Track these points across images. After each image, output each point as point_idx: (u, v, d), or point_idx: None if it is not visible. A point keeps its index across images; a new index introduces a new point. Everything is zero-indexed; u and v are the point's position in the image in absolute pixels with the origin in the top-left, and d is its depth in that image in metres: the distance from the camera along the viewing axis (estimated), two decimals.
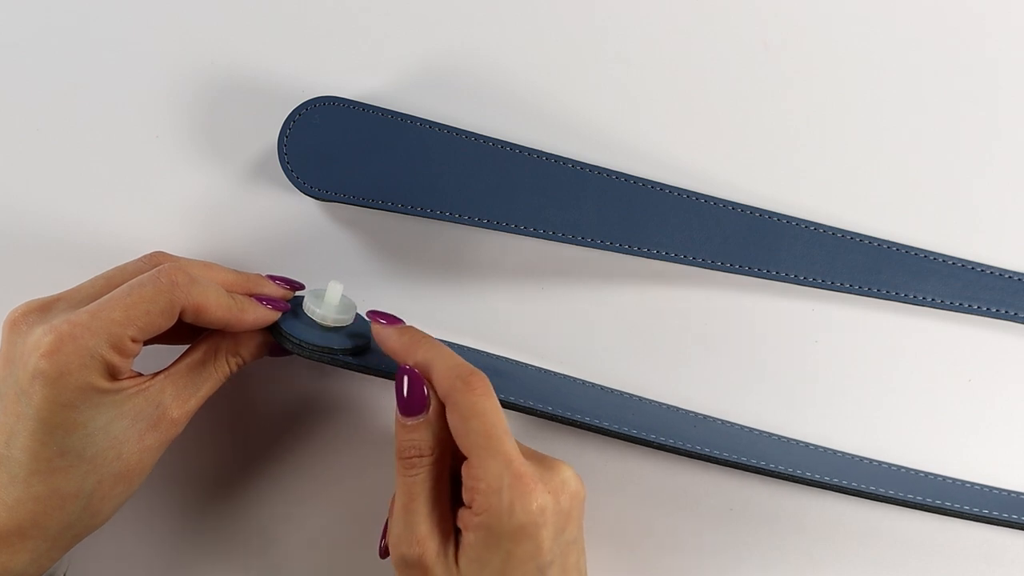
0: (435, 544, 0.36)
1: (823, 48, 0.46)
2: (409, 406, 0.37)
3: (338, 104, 0.45)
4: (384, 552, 0.40)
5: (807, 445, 0.45)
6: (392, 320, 0.40)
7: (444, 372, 0.37)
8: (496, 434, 0.35)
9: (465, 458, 0.36)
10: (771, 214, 0.45)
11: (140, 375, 0.38)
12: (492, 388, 0.36)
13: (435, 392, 0.37)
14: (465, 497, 0.36)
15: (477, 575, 0.35)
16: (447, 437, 0.37)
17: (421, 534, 0.36)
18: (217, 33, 0.47)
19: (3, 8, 0.48)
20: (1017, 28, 0.46)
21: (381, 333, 0.39)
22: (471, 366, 0.37)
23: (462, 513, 0.36)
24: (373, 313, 0.40)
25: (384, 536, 0.40)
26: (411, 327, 0.40)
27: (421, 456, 0.37)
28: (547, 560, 0.35)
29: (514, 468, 0.35)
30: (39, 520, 0.36)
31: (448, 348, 0.38)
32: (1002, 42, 0.46)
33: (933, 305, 0.45)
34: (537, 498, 0.35)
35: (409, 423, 0.37)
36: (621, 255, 0.45)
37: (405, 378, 0.37)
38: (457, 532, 0.37)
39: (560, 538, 0.36)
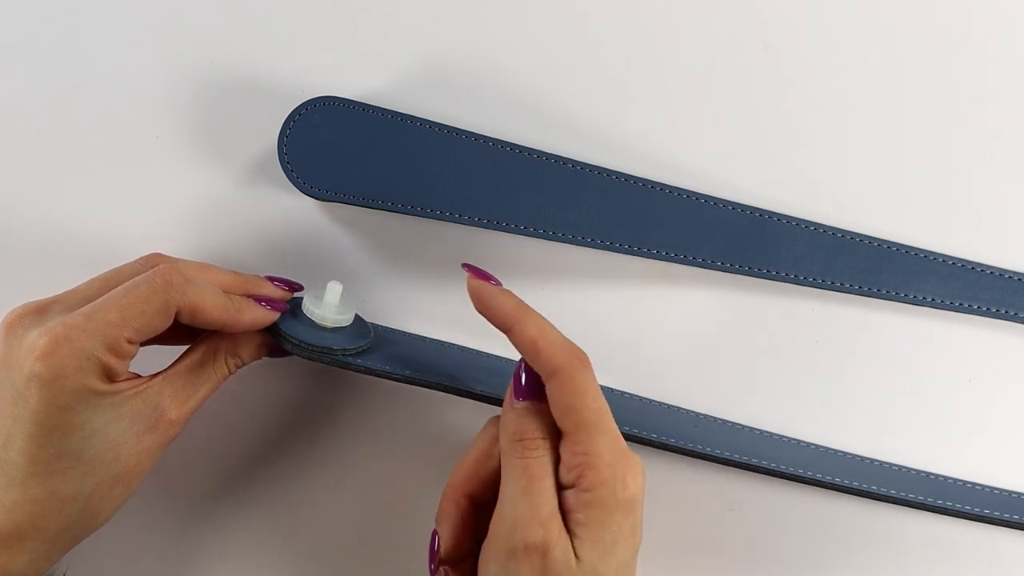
0: (558, 525, 0.35)
1: (823, 48, 0.46)
2: (531, 388, 0.37)
3: (338, 104, 0.45)
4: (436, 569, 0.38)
5: (807, 444, 0.45)
6: (482, 274, 0.38)
7: (558, 345, 0.36)
8: (606, 410, 0.36)
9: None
10: (771, 214, 0.45)
11: (138, 377, 0.38)
12: None
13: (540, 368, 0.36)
14: (567, 477, 0.35)
15: (590, 554, 0.35)
16: (557, 432, 0.36)
17: (545, 515, 0.35)
18: (217, 33, 0.47)
19: (3, 8, 0.48)
20: (1017, 29, 0.46)
21: (483, 291, 0.38)
22: (575, 343, 0.37)
23: (567, 496, 0.35)
24: (466, 265, 0.39)
25: (434, 560, 0.39)
26: (509, 291, 0.38)
27: (544, 438, 0.36)
28: (637, 539, 0.36)
29: (620, 445, 0.35)
30: (38, 522, 0.35)
31: (550, 322, 0.37)
32: (1002, 42, 0.46)
33: (933, 305, 0.45)
34: (639, 472, 0.36)
35: (531, 407, 0.37)
36: (621, 255, 0.45)
37: (525, 370, 0.37)
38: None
39: (641, 517, 0.36)
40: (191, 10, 0.48)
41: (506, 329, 0.37)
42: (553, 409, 0.36)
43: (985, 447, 0.45)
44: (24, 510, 0.35)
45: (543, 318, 0.37)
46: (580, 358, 0.36)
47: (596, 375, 0.45)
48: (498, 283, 0.38)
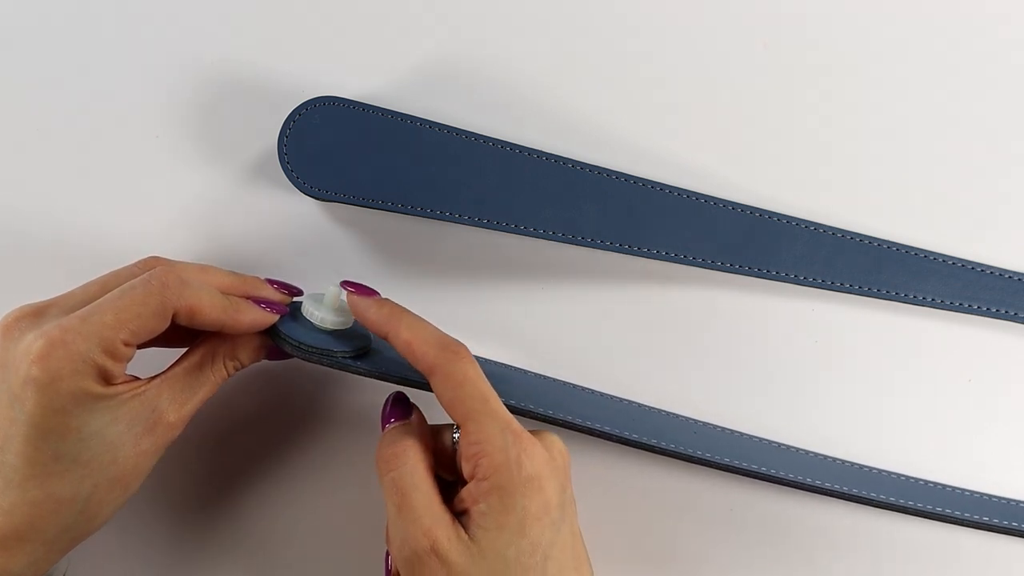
0: (444, 529, 0.35)
1: (823, 48, 0.46)
2: (395, 413, 0.39)
3: (338, 104, 0.45)
4: None
5: (807, 452, 0.45)
6: (363, 290, 0.40)
7: (430, 342, 0.37)
8: (491, 396, 0.36)
9: (446, 447, 0.38)
10: (771, 214, 0.45)
11: (136, 379, 0.38)
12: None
13: (420, 368, 0.37)
14: (466, 470, 0.36)
15: (496, 543, 0.35)
16: (426, 440, 0.38)
17: (427, 525, 0.35)
18: (217, 33, 0.47)
19: (3, 8, 0.48)
20: (1017, 28, 0.46)
21: (359, 304, 0.39)
22: (450, 336, 0.37)
23: (464, 493, 0.36)
24: (346, 283, 0.40)
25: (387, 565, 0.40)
26: (388, 300, 0.39)
27: (405, 444, 0.37)
28: (557, 516, 0.36)
29: (513, 427, 0.36)
30: (36, 524, 0.36)
31: (426, 320, 0.38)
32: (1002, 42, 0.46)
33: (933, 305, 0.45)
34: (538, 451, 0.36)
35: (392, 428, 0.39)
36: (621, 255, 0.45)
37: (390, 399, 0.40)
38: (459, 518, 0.36)
39: (563, 495, 0.36)
40: (191, 10, 0.47)
41: (385, 336, 0.38)
42: (442, 406, 0.37)
43: (985, 447, 0.45)
44: (22, 512, 0.35)
45: (418, 319, 0.38)
46: (454, 350, 0.37)
47: (593, 375, 0.46)
48: (368, 292, 0.40)
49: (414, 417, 0.39)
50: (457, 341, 0.37)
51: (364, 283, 0.40)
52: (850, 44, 0.46)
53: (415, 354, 0.37)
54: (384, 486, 0.37)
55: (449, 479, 0.38)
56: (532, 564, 0.35)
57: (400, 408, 0.40)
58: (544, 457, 0.36)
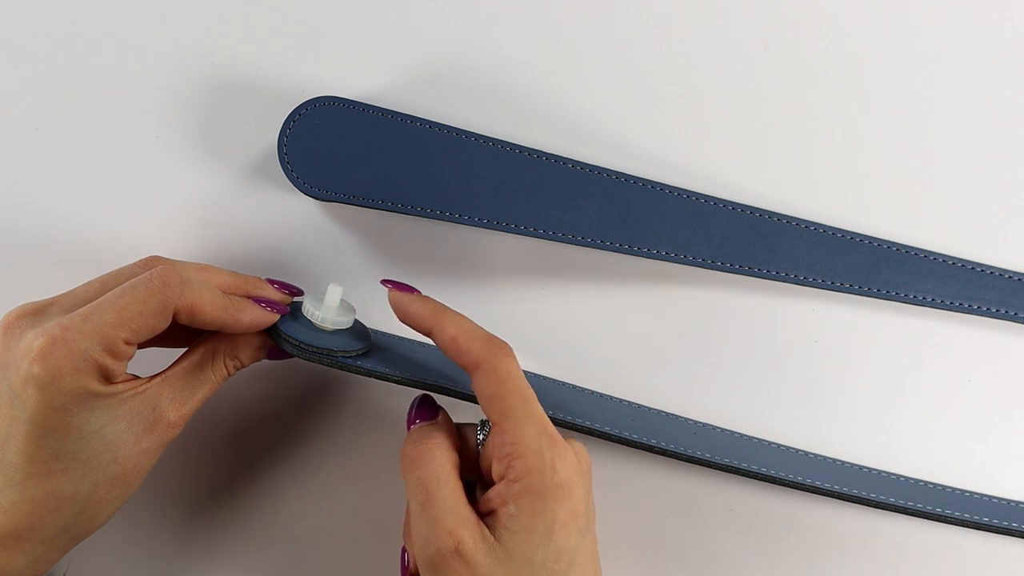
0: (469, 530, 0.35)
1: (823, 48, 0.46)
2: (421, 414, 0.39)
3: (338, 104, 0.45)
4: None
5: (807, 453, 0.45)
6: (404, 287, 0.39)
7: (477, 337, 0.36)
8: (531, 397, 0.36)
9: (470, 448, 0.38)
10: (771, 214, 0.45)
11: (136, 378, 0.38)
12: None
13: (464, 365, 0.37)
14: (496, 470, 0.36)
15: (523, 546, 0.34)
16: (453, 439, 0.38)
17: (451, 525, 0.35)
18: (217, 33, 0.47)
19: (2, 8, 0.48)
20: (1017, 28, 0.46)
21: (402, 300, 0.38)
22: (494, 334, 0.37)
23: (492, 493, 0.35)
24: (386, 280, 0.40)
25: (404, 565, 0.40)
26: (428, 296, 0.39)
27: (433, 441, 0.37)
28: (583, 523, 0.36)
29: (549, 430, 0.35)
30: (35, 523, 0.36)
31: (468, 317, 0.38)
32: (1002, 42, 0.46)
33: (933, 305, 0.45)
34: (570, 456, 0.35)
35: (419, 426, 0.38)
36: (621, 255, 0.45)
37: (417, 401, 0.40)
38: (483, 518, 0.36)
39: (588, 502, 0.36)
40: (191, 10, 0.47)
41: (428, 332, 0.38)
42: (480, 402, 0.36)
43: (985, 447, 0.45)
44: (22, 511, 0.35)
45: (462, 316, 0.38)
46: (500, 347, 0.36)
47: (593, 375, 0.46)
48: (407, 288, 0.39)
49: (440, 417, 0.39)
50: (502, 339, 0.37)
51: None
52: (851, 44, 0.46)
53: (460, 348, 0.36)
54: (409, 484, 0.37)
55: (471, 480, 0.38)
56: (557, 570, 0.35)
57: (427, 409, 0.39)
58: (575, 463, 0.36)
